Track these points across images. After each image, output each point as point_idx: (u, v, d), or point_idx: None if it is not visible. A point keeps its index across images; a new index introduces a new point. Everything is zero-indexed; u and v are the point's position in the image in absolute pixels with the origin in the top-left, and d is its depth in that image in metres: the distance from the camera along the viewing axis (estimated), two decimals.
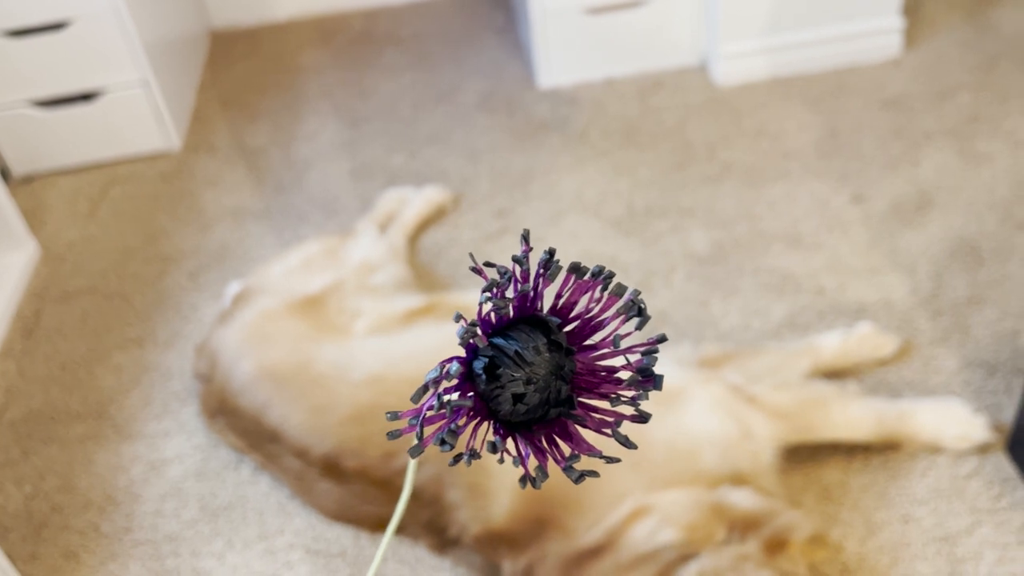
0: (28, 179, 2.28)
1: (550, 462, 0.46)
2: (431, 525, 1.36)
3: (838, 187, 1.96)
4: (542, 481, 0.45)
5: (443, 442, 0.43)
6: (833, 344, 1.56)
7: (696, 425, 1.34)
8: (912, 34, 2.34)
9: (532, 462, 0.46)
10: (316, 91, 2.47)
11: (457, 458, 0.45)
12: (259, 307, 1.59)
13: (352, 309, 1.59)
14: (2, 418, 1.72)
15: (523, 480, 0.46)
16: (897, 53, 2.29)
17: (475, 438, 0.45)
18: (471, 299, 1.65)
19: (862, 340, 1.57)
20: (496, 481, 1.30)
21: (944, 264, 1.76)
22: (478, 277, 1.87)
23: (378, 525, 1.44)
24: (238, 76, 2.56)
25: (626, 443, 0.46)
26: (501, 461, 0.46)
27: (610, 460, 0.47)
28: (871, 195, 1.93)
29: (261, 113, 2.41)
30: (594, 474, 0.46)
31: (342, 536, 1.46)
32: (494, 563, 1.32)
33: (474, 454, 0.44)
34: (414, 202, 1.98)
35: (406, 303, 1.61)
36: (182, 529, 1.50)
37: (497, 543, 1.29)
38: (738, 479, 1.30)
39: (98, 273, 1.99)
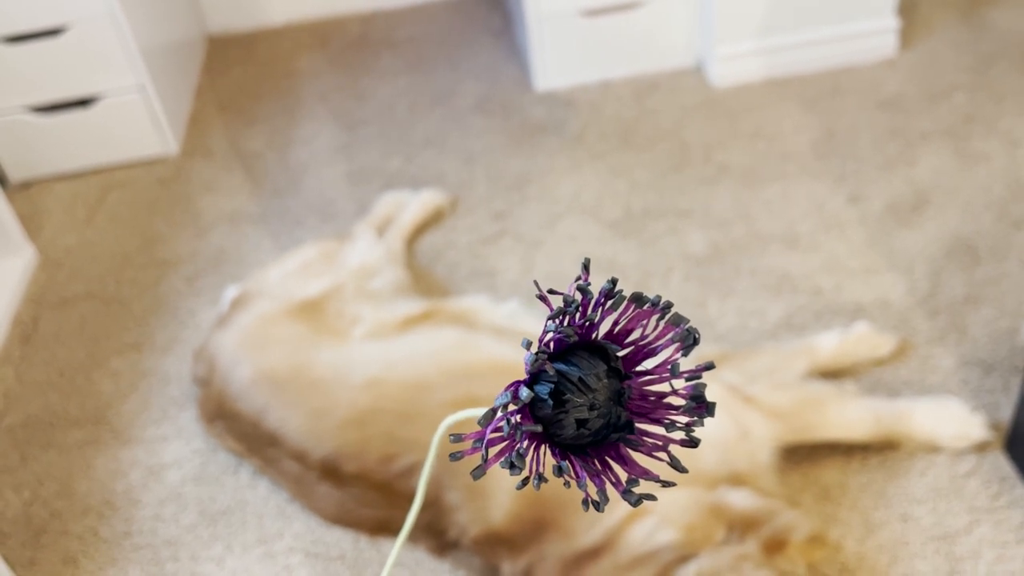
0: (25, 185, 2.28)
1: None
2: (430, 527, 1.36)
3: (834, 187, 1.96)
4: (604, 504, 0.46)
5: (512, 465, 0.45)
6: (830, 344, 1.56)
7: None
8: (907, 34, 2.34)
9: (591, 486, 0.47)
10: (312, 95, 2.47)
11: (525, 481, 0.46)
12: (257, 311, 1.59)
13: (350, 313, 1.59)
14: (1, 424, 1.72)
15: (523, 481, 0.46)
16: (892, 53, 2.30)
17: (535, 461, 0.46)
18: (468, 303, 1.65)
19: (859, 340, 1.58)
20: (495, 483, 1.30)
21: (941, 263, 1.76)
22: (475, 280, 1.87)
23: (377, 528, 1.44)
24: (235, 81, 2.57)
25: (678, 467, 0.47)
26: (567, 485, 0.47)
27: (666, 484, 0.48)
28: (867, 195, 1.93)
29: (258, 118, 2.41)
30: (652, 497, 0.47)
31: (341, 540, 1.46)
32: (493, 565, 1.32)
33: (542, 478, 0.45)
34: (411, 206, 1.98)
35: (404, 307, 1.61)
36: (181, 534, 1.50)
37: (496, 545, 1.29)
38: (736, 479, 1.30)
39: (96, 278, 1.99)
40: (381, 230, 1.93)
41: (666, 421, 0.48)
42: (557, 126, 2.24)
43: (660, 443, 0.48)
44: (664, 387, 0.49)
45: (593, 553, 1.23)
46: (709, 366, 0.48)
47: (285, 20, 2.79)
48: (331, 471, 1.41)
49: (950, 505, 1.39)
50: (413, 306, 1.62)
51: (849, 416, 1.43)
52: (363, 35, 2.69)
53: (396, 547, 0.56)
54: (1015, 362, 1.56)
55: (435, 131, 2.28)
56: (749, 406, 1.39)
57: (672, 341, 0.48)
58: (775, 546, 1.22)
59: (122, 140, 2.26)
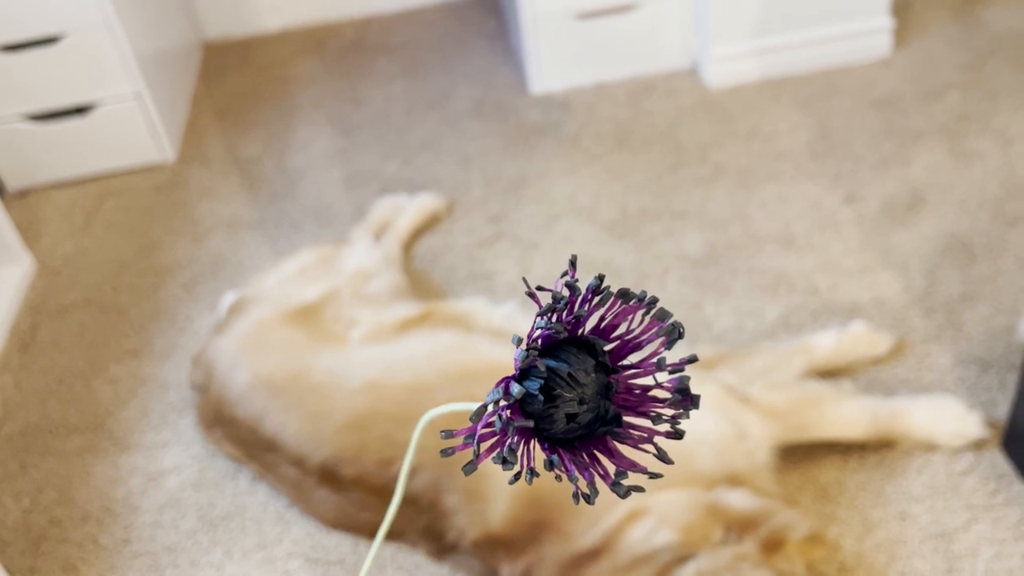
0: (23, 193, 2.28)
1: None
2: (429, 531, 1.36)
3: (830, 187, 1.96)
4: (595, 497, 0.47)
5: (504, 460, 0.45)
6: (827, 343, 1.56)
7: (691, 426, 1.34)
8: (901, 34, 2.35)
9: (581, 479, 0.47)
10: (309, 100, 2.48)
11: (517, 476, 0.47)
12: (254, 317, 1.59)
13: (348, 317, 1.59)
14: (0, 432, 1.72)
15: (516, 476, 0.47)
16: (887, 53, 2.30)
17: (526, 456, 0.47)
18: (466, 306, 1.65)
19: (856, 339, 1.58)
20: (493, 485, 1.30)
21: (936, 262, 1.76)
22: (472, 283, 1.87)
23: (376, 532, 1.44)
24: (231, 87, 2.57)
25: (664, 458, 0.48)
26: (559, 479, 0.48)
27: (653, 476, 0.48)
28: (863, 195, 1.94)
29: (254, 123, 2.42)
30: (640, 489, 0.47)
31: (341, 544, 1.46)
32: (492, 567, 1.32)
33: (533, 472, 0.46)
34: (408, 209, 1.99)
35: (401, 311, 1.61)
36: (181, 540, 1.51)
37: (495, 547, 1.30)
38: (734, 479, 1.31)
39: (94, 286, 2.00)
40: (378, 234, 1.93)
41: (652, 414, 0.49)
42: (553, 128, 2.24)
43: (646, 435, 0.49)
44: (650, 380, 0.49)
45: (592, 555, 1.23)
46: (692, 359, 0.48)
47: (281, 26, 2.79)
48: (329, 475, 1.41)
49: (948, 503, 1.39)
50: (410, 308, 1.62)
51: (846, 415, 1.43)
52: (359, 40, 2.70)
53: (375, 543, 0.56)
54: (1012, 359, 1.56)
55: (431, 135, 2.28)
56: (746, 406, 1.39)
57: (657, 336, 0.48)
58: (773, 546, 1.22)
59: (119, 147, 2.27)
